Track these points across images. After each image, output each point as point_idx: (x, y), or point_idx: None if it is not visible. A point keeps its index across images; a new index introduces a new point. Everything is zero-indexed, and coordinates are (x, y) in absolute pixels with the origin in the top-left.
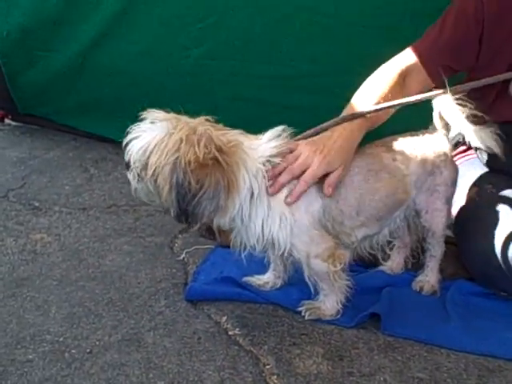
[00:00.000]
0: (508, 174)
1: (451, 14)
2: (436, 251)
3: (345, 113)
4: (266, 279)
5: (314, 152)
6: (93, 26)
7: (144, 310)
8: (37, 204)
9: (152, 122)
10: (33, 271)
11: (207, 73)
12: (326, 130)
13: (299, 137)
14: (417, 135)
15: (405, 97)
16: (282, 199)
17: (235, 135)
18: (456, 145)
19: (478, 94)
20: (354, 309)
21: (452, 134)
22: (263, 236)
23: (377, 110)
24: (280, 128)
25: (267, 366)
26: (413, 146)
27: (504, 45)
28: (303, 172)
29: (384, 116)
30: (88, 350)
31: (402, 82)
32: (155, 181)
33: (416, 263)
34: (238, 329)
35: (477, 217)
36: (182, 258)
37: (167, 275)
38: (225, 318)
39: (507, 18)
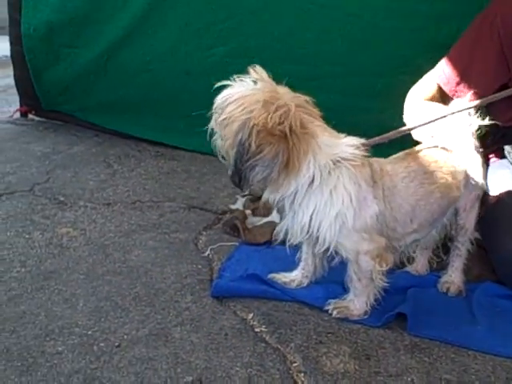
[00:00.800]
0: None
1: (470, 37)
2: (464, 250)
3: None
4: (293, 277)
5: None
6: (118, 25)
7: (170, 306)
8: (62, 198)
9: (253, 80)
10: (60, 265)
11: (228, 72)
12: (391, 138)
13: (365, 142)
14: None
15: None
16: (342, 198)
17: (316, 127)
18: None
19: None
20: (380, 309)
21: None
22: (309, 228)
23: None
24: (360, 139)
25: (294, 364)
26: (455, 144)
27: None
28: None
29: None
30: (116, 344)
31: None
32: (224, 129)
33: (440, 263)
34: (264, 326)
35: (505, 218)
36: (206, 254)
37: (192, 271)
38: (251, 315)
39: None
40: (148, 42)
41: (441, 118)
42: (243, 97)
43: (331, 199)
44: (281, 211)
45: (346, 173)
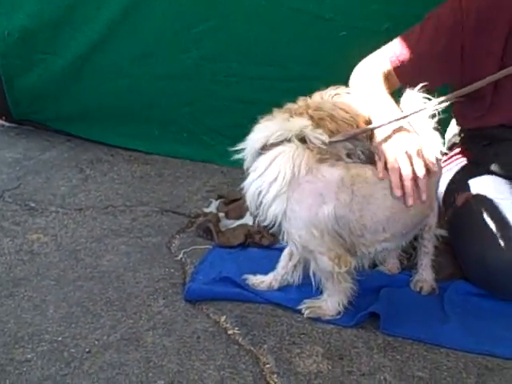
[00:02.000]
0: (505, 177)
1: (431, 22)
2: (430, 246)
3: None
4: (264, 278)
5: (402, 143)
6: (93, 29)
7: (142, 310)
8: (33, 204)
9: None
10: (30, 271)
11: (206, 74)
12: (356, 135)
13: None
14: None
15: None
16: (305, 188)
17: None
18: (452, 146)
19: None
20: (353, 308)
21: (448, 136)
22: (279, 213)
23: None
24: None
25: (267, 365)
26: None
27: (486, 58)
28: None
29: None
30: (87, 350)
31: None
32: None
33: (408, 259)
34: (237, 328)
35: (472, 219)
36: (179, 258)
37: (165, 275)
38: (224, 318)
39: (486, 30)
40: (122, 47)
41: (404, 118)
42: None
43: (294, 189)
44: None
45: (287, 151)
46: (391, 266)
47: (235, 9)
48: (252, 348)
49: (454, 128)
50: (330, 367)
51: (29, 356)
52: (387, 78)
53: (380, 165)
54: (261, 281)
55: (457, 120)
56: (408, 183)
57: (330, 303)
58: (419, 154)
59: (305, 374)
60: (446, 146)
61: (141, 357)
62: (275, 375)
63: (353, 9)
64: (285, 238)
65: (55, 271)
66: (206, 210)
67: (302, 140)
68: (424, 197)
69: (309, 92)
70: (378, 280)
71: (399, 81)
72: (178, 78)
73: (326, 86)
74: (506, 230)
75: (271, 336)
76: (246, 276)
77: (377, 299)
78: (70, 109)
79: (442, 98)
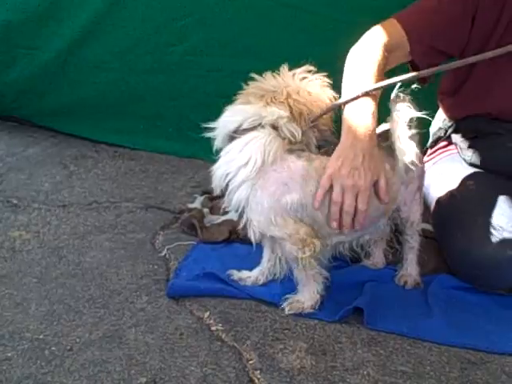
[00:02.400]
0: (489, 171)
1: None
2: (415, 241)
3: (344, 93)
4: (250, 274)
5: (353, 177)
6: (76, 24)
7: (125, 307)
8: (15, 201)
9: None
10: (11, 268)
11: (191, 69)
12: (333, 109)
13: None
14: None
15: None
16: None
17: None
18: (437, 140)
19: (456, 81)
20: (336, 303)
21: (433, 129)
22: (243, 198)
23: (376, 89)
24: None
25: (250, 362)
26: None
27: (495, 27)
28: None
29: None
30: (68, 347)
31: (387, 57)
32: None
33: (395, 253)
34: (220, 324)
35: (456, 213)
36: (163, 254)
37: (149, 272)
38: (207, 314)
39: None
40: (106, 42)
41: (380, 88)
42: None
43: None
44: None
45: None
46: (376, 260)
47: (219, 2)
48: (235, 344)
49: (438, 122)
50: (313, 363)
51: (9, 354)
52: (392, 49)
53: (320, 193)
54: (247, 276)
55: (443, 108)
56: (347, 219)
57: (306, 293)
58: (367, 190)
59: (288, 369)
60: (430, 139)
61: (123, 354)
62: (258, 371)
63: (338, 2)
64: (245, 224)
65: (37, 268)
66: (191, 206)
67: (275, 127)
68: (358, 227)
69: None
70: (362, 274)
71: (403, 29)
72: (162, 72)
73: None
74: (491, 224)
75: (254, 332)
76: (230, 271)
77: (361, 294)
78: (54, 104)
79: (420, 72)
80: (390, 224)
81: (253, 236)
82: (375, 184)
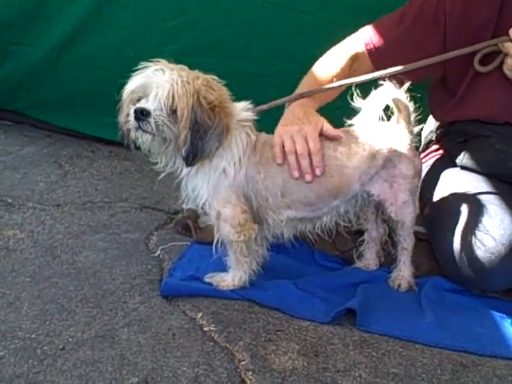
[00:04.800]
0: (480, 174)
1: (411, 12)
2: (407, 243)
3: (297, 92)
4: (226, 277)
5: (298, 125)
6: (68, 20)
7: (118, 307)
8: (10, 200)
9: (162, 70)
10: (5, 268)
11: None
12: (278, 105)
13: (254, 110)
14: (375, 127)
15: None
16: (223, 156)
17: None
18: (428, 143)
19: (446, 89)
20: (329, 305)
21: (424, 133)
22: (193, 187)
23: (322, 90)
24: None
25: (242, 362)
26: (364, 140)
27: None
28: (306, 143)
29: (330, 97)
30: (61, 347)
31: (351, 66)
32: (180, 124)
33: (388, 256)
34: (213, 325)
35: (448, 216)
36: (157, 254)
37: (142, 272)
38: (200, 315)
39: (470, 22)
40: (98, 39)
41: (351, 83)
42: (184, 86)
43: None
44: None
45: (235, 133)
46: (368, 262)
47: (211, 2)
48: (227, 345)
49: (430, 125)
50: (305, 364)
51: (1, 353)
52: (355, 60)
53: (277, 149)
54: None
55: (433, 114)
56: (304, 163)
57: (232, 274)
58: (314, 131)
59: (280, 370)
60: (422, 143)
61: (115, 354)
62: (250, 372)
63: (331, 3)
64: (200, 204)
65: (31, 268)
66: (185, 207)
67: None
68: (318, 171)
69: (287, 87)
70: (355, 276)
71: (372, 64)
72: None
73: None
74: (482, 226)
75: (247, 333)
76: (210, 274)
77: (354, 295)
78: (47, 98)
79: (391, 69)
80: (384, 226)
81: (212, 215)
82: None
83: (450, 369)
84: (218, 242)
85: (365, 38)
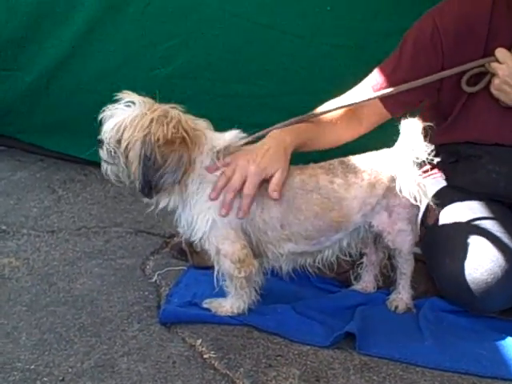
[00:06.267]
0: (472, 194)
1: (409, 42)
2: (406, 269)
3: None
4: (225, 303)
5: (248, 162)
6: (58, 44)
7: (117, 335)
8: (4, 227)
9: (128, 103)
10: (1, 297)
11: (174, 92)
12: (262, 136)
13: (249, 138)
14: (373, 155)
15: (355, 127)
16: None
17: (201, 124)
18: (420, 164)
19: (438, 112)
20: (328, 328)
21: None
22: (191, 222)
23: (322, 114)
24: (241, 133)
25: None
26: (363, 169)
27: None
28: (243, 183)
29: (320, 144)
30: (60, 378)
31: (351, 116)
32: (127, 156)
33: (387, 279)
34: (213, 352)
35: (443, 237)
36: (154, 280)
37: (140, 298)
38: (199, 341)
39: (465, 40)
40: (89, 63)
41: (350, 106)
42: (135, 119)
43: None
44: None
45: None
46: (366, 284)
47: (202, 25)
48: (228, 372)
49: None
50: None
51: None
52: (360, 107)
53: (220, 183)
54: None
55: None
56: (227, 196)
57: (231, 303)
58: (257, 175)
59: None
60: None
61: None
62: None
63: (322, 25)
64: (196, 239)
65: (27, 296)
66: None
67: None
68: (240, 214)
69: (278, 108)
70: (352, 299)
71: (384, 107)
72: (147, 94)
73: (297, 102)
74: (478, 247)
75: (247, 359)
76: (208, 300)
77: (352, 318)
78: (39, 122)
79: (384, 91)
80: (383, 250)
81: (212, 252)
82: (271, 178)
83: None
84: (218, 273)
85: (371, 83)
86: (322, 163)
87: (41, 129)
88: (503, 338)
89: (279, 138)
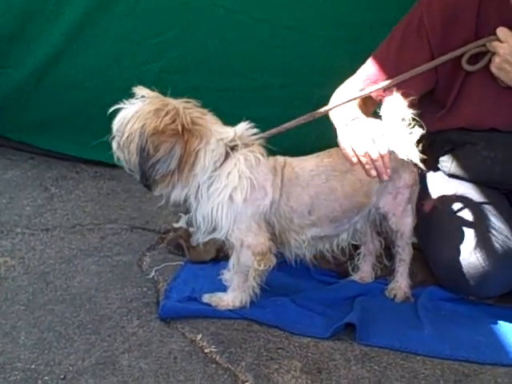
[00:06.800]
0: (468, 181)
1: (397, 37)
2: (405, 254)
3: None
4: (225, 297)
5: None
6: (49, 42)
7: (117, 332)
8: None
9: (142, 98)
10: None
11: (167, 86)
12: (288, 129)
13: (263, 135)
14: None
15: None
16: (232, 184)
17: (207, 121)
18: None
19: (435, 97)
20: (328, 320)
21: None
22: (211, 216)
23: (335, 107)
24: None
25: (246, 383)
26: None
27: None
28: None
29: None
30: (62, 376)
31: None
32: (128, 147)
33: (384, 269)
34: (214, 346)
35: (440, 224)
36: (151, 276)
37: (138, 294)
38: (200, 336)
39: (454, 27)
40: (80, 59)
41: (347, 102)
42: (137, 112)
43: (227, 183)
44: (189, 209)
45: (242, 158)
46: (365, 274)
47: (194, 19)
48: (230, 366)
49: None
50: (308, 382)
51: None
52: (363, 100)
53: (349, 159)
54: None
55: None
56: (378, 163)
57: (233, 296)
58: (378, 137)
59: None
60: None
61: (117, 381)
62: None
63: (314, 18)
64: (220, 235)
65: (24, 295)
66: (176, 225)
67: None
68: (389, 166)
69: (272, 102)
70: (351, 289)
71: (377, 99)
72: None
73: (291, 95)
74: (474, 233)
75: (248, 352)
76: (207, 295)
77: (351, 309)
78: (29, 121)
79: (385, 82)
80: (380, 239)
81: (236, 244)
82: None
83: (453, 379)
84: (233, 265)
85: (363, 77)
86: None
87: (31, 127)
88: (501, 325)
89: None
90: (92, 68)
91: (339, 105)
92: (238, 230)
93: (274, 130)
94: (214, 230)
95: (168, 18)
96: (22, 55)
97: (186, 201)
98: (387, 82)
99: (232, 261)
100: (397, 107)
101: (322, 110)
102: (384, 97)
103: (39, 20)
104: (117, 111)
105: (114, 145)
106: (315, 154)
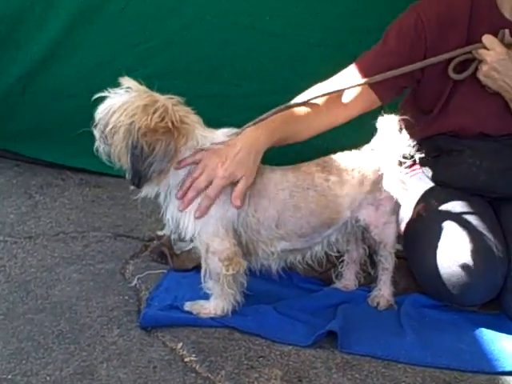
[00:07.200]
0: (451, 187)
1: (393, 31)
2: (388, 263)
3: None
4: (207, 305)
5: (217, 165)
6: (35, 49)
7: (96, 341)
8: None
9: (127, 89)
10: None
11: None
12: (265, 119)
13: (239, 131)
14: (357, 152)
15: (339, 113)
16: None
17: (192, 121)
18: (401, 162)
19: (422, 104)
20: (310, 328)
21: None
22: (176, 217)
23: (304, 103)
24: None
25: None
26: (351, 167)
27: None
28: (209, 184)
29: (304, 134)
30: None
31: (334, 101)
32: (112, 138)
33: (367, 276)
34: (194, 355)
35: (424, 232)
36: (134, 284)
37: (119, 303)
38: (180, 345)
39: (448, 32)
40: (66, 67)
41: (335, 92)
42: (124, 104)
43: None
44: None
45: None
46: (348, 282)
47: (181, 26)
48: (209, 375)
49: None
50: None
51: None
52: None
53: (187, 183)
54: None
55: (406, 131)
56: (190, 195)
57: (215, 304)
58: (223, 179)
59: None
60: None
61: None
62: None
63: (303, 24)
64: (187, 237)
65: (4, 304)
66: (160, 233)
67: None
68: (197, 214)
69: (258, 108)
70: (334, 297)
71: (375, 93)
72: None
73: (278, 102)
74: (458, 241)
75: (229, 361)
76: (189, 303)
77: (334, 317)
78: (15, 129)
79: (371, 78)
80: (364, 247)
81: (202, 249)
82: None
83: None
84: (205, 272)
85: (357, 69)
86: (316, 160)
87: (16, 135)
88: (484, 332)
89: (253, 137)
90: (77, 75)
91: (315, 98)
92: (205, 233)
93: (250, 124)
94: (181, 230)
95: (155, 26)
96: (7, 63)
97: (156, 197)
98: (377, 77)
99: (203, 268)
100: (391, 131)
101: (299, 101)
102: (376, 92)
103: (24, 28)
104: (101, 99)
105: (97, 133)
106: (285, 167)
